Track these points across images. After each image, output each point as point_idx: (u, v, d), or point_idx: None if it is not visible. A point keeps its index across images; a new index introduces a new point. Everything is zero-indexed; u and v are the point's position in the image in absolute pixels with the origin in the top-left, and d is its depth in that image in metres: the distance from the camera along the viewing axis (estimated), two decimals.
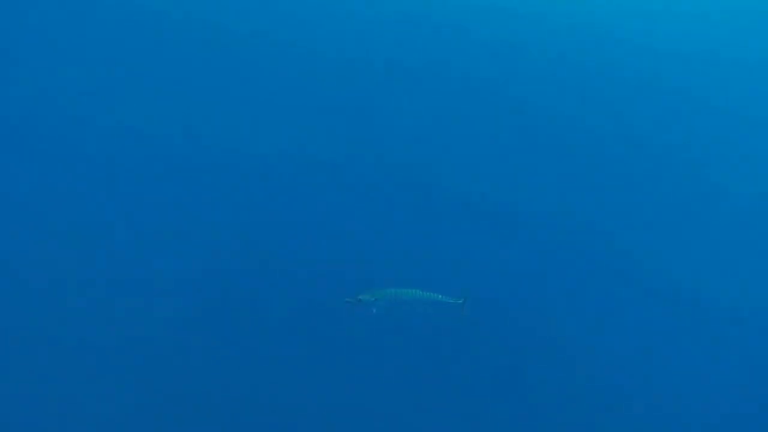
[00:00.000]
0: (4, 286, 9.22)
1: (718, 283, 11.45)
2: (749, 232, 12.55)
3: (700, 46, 16.32)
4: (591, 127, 13.72)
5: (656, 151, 13.73)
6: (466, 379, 9.25)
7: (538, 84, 14.30)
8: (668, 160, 13.70)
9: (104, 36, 13.12)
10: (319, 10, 14.72)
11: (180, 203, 10.84)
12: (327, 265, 10.07)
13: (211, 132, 11.97)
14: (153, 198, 10.88)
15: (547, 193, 12.28)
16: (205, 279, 9.78)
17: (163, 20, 13.74)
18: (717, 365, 10.32)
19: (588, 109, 14.05)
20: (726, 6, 17.59)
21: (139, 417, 8.27)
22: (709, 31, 16.90)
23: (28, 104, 11.74)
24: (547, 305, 10.50)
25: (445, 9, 15.63)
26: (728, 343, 10.62)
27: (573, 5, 16.68)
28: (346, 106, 12.90)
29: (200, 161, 11.55)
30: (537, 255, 11.23)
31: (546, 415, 9.20)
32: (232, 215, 10.81)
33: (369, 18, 14.86)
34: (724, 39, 16.73)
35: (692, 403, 9.74)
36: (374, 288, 8.01)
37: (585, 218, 11.92)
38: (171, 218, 10.56)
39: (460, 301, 8.33)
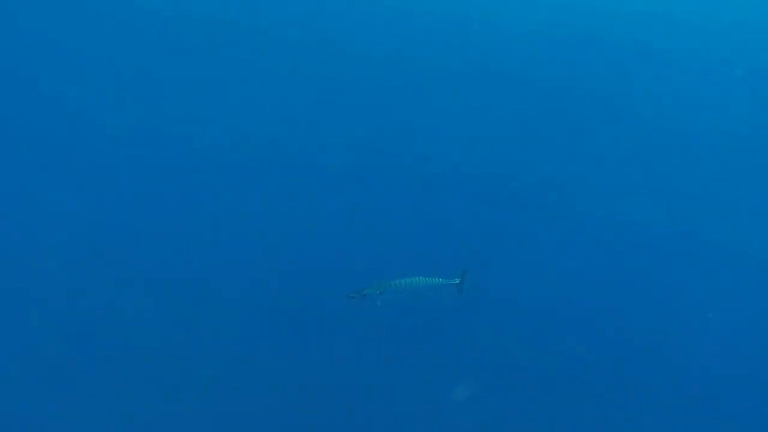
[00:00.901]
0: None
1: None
2: None
3: None
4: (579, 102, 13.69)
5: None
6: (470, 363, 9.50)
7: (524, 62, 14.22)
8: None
9: (109, 37, 12.85)
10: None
11: (182, 201, 10.90)
12: (323, 263, 10.19)
13: (210, 129, 11.92)
14: (160, 194, 10.94)
15: (545, 170, 12.36)
16: (208, 279, 9.88)
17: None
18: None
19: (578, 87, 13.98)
20: None
21: (146, 415, 8.39)
22: None
23: (32, 106, 11.62)
24: (545, 284, 10.74)
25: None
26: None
27: None
28: (344, 103, 12.85)
29: (202, 159, 11.53)
30: (534, 234, 11.45)
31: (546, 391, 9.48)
32: (231, 216, 10.88)
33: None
34: None
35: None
36: (375, 281, 8.11)
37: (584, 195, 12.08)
38: (174, 215, 10.61)
39: (457, 281, 8.45)
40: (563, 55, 14.09)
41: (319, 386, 8.81)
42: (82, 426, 8.26)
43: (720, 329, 10.63)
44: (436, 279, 8.40)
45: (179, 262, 10.04)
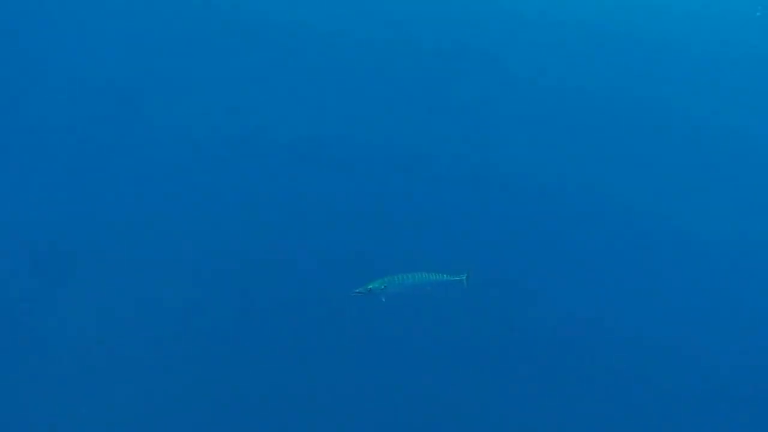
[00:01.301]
0: None
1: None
2: None
3: None
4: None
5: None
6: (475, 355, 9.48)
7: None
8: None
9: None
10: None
11: (186, 198, 10.82)
12: (326, 260, 10.14)
13: (203, 121, 11.82)
14: (157, 190, 10.86)
15: (552, 166, 12.25)
16: (212, 276, 9.83)
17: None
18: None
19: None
20: None
21: (148, 415, 8.33)
22: None
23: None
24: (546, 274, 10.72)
25: None
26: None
27: None
28: (349, 97, 12.71)
29: (203, 156, 11.44)
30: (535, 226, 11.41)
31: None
32: (234, 212, 10.80)
33: None
34: None
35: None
36: (380, 277, 8.06)
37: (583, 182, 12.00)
38: (182, 212, 10.55)
39: (463, 278, 8.40)
40: (571, 50, 14.04)
41: (326, 382, 8.79)
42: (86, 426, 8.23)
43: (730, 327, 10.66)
44: (441, 275, 8.37)
45: (181, 259, 9.99)
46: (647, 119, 13.34)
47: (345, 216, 11.04)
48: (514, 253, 11.06)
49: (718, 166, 12.97)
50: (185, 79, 12.35)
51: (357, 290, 7.95)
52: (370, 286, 7.92)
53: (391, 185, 11.72)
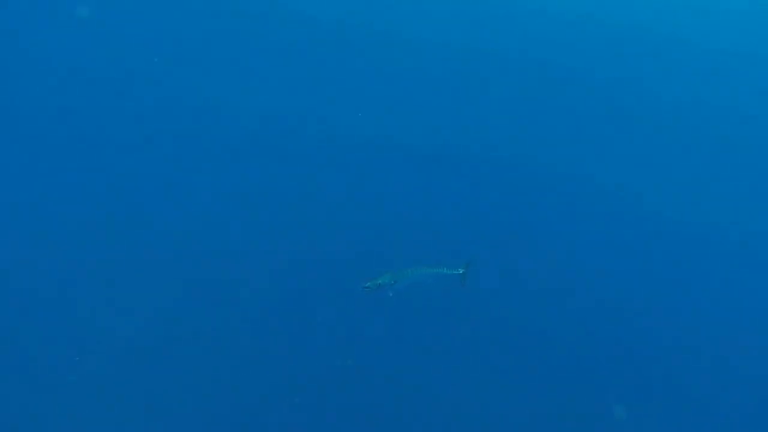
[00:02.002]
0: None
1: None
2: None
3: None
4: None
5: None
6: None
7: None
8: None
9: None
10: None
11: (193, 196, 10.76)
12: (328, 258, 10.14)
13: (207, 121, 11.75)
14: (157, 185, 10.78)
15: (555, 158, 12.25)
16: (222, 273, 9.79)
17: None
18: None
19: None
20: None
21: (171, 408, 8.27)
22: None
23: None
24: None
25: None
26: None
27: None
28: (353, 94, 12.69)
29: (210, 155, 11.38)
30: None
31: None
32: (238, 211, 10.75)
33: None
34: None
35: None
36: (385, 272, 8.13)
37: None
38: (189, 210, 10.49)
39: (461, 271, 8.57)
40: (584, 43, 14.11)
41: (337, 379, 8.77)
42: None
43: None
44: (440, 269, 8.52)
45: (186, 259, 9.92)
46: (647, 116, 13.46)
47: (345, 213, 11.05)
48: (514, 248, 11.11)
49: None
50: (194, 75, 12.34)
51: (366, 285, 8.02)
52: (379, 281, 8.01)
53: (392, 183, 11.74)
